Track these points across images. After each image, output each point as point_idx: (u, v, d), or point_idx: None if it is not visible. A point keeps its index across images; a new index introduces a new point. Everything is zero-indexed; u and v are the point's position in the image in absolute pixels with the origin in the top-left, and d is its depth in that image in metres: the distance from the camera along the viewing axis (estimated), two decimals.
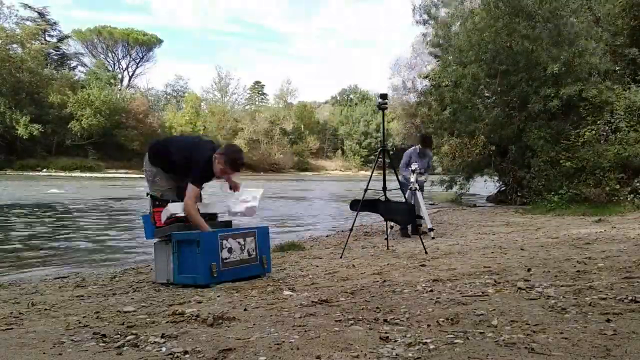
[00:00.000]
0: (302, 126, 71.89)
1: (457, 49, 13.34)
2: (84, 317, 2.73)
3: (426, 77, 17.73)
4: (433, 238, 6.34)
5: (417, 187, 6.66)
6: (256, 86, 76.62)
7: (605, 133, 10.06)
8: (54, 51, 57.30)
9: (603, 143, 9.96)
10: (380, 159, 5.59)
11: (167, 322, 2.47)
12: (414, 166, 6.66)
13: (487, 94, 13.99)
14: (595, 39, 10.95)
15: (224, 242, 3.68)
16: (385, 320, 2.33)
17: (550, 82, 11.21)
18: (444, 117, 14.41)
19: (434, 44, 16.28)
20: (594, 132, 10.14)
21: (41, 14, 53.47)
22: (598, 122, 10.26)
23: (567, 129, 11.01)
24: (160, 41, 66.54)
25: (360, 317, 2.41)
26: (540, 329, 2.06)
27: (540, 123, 11.42)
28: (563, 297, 2.63)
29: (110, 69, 63.61)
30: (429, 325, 2.21)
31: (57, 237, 8.09)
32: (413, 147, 7.33)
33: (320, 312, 2.56)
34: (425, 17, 15.87)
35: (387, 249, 5.46)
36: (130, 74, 66.83)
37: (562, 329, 2.06)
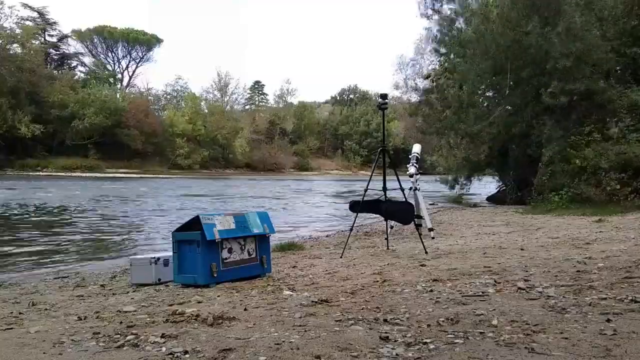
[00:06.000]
0: (302, 126, 71.87)
1: (461, 43, 13.29)
2: (84, 317, 2.73)
3: (427, 77, 17.73)
4: (433, 238, 6.33)
5: (418, 186, 6.65)
6: (256, 86, 76.62)
7: (610, 133, 10.05)
8: (54, 51, 57.28)
9: (609, 142, 9.94)
10: (380, 159, 5.58)
11: (167, 322, 2.47)
12: (412, 169, 6.62)
13: (488, 94, 13.99)
14: (599, 37, 10.95)
15: (224, 242, 3.68)
16: (385, 320, 2.33)
17: (557, 77, 11.20)
18: (446, 116, 14.39)
19: (438, 40, 16.22)
20: (596, 132, 10.15)
21: (41, 14, 53.45)
22: (607, 123, 10.27)
23: (572, 127, 11.00)
24: (160, 41, 66.54)
25: (360, 317, 2.40)
26: (540, 329, 2.06)
27: (547, 120, 11.42)
28: (563, 297, 2.63)
29: (110, 68, 63.59)
30: (429, 325, 2.21)
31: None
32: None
33: (320, 312, 2.55)
34: (430, 11, 15.79)
35: (387, 249, 5.46)
36: (130, 73, 66.86)
37: (562, 329, 2.06)
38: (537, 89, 11.70)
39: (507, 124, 12.46)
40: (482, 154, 14.02)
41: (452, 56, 14.90)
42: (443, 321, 2.25)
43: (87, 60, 62.44)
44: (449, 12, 15.63)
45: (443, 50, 16.25)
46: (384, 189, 5.30)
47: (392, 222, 6.10)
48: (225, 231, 3.67)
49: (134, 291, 3.67)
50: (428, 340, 1.98)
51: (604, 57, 10.75)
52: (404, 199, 5.65)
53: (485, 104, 13.75)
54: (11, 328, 2.53)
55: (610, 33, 11.20)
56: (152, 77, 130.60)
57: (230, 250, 3.72)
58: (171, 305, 2.95)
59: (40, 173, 40.91)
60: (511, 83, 12.73)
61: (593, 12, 11.59)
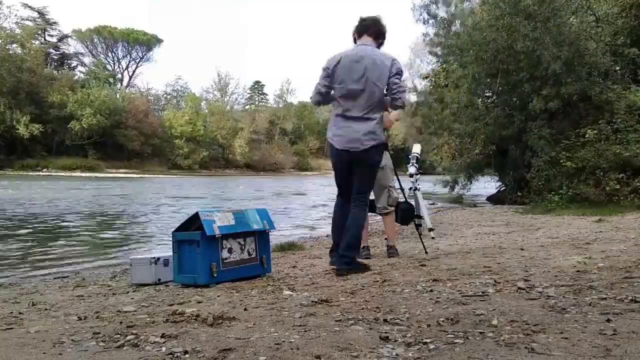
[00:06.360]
0: (302, 126, 71.92)
1: (457, 48, 13.36)
2: (84, 317, 2.73)
3: (426, 77, 17.80)
4: (433, 238, 6.32)
5: (418, 186, 6.63)
6: (256, 86, 76.65)
7: (606, 133, 10.06)
8: (54, 51, 57.34)
9: (604, 143, 9.95)
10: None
11: (167, 322, 2.47)
12: (412, 169, 6.61)
13: (487, 94, 14.02)
14: (595, 39, 10.96)
15: (224, 242, 3.68)
16: (385, 320, 2.33)
17: (551, 81, 11.22)
18: (444, 116, 14.43)
19: (435, 44, 16.33)
20: (595, 132, 10.14)
21: (41, 14, 53.47)
22: (599, 122, 10.26)
23: (567, 129, 11.02)
24: (160, 41, 66.56)
25: (360, 317, 2.40)
26: (540, 329, 2.06)
27: (540, 123, 11.43)
28: (563, 297, 2.62)
29: (110, 68, 63.61)
30: (429, 325, 2.21)
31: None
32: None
33: (320, 312, 2.55)
34: (425, 16, 15.91)
35: None
36: (130, 73, 66.88)
37: (562, 329, 2.06)
38: (530, 93, 11.73)
39: (501, 126, 12.48)
40: (479, 154, 14.04)
41: (450, 58, 14.93)
42: (443, 321, 2.25)
43: (87, 60, 62.59)
44: (445, 15, 15.72)
45: (440, 52, 16.31)
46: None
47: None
48: (225, 227, 3.66)
49: (134, 291, 3.67)
50: (428, 340, 1.98)
51: (596, 60, 10.76)
52: (403, 199, 5.65)
53: (483, 105, 13.77)
54: (11, 328, 2.53)
55: (607, 34, 11.20)
56: (152, 77, 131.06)
57: (230, 250, 3.72)
58: (171, 305, 2.95)
59: (40, 173, 40.94)
60: (500, 88, 12.76)
61: (589, 12, 11.61)
